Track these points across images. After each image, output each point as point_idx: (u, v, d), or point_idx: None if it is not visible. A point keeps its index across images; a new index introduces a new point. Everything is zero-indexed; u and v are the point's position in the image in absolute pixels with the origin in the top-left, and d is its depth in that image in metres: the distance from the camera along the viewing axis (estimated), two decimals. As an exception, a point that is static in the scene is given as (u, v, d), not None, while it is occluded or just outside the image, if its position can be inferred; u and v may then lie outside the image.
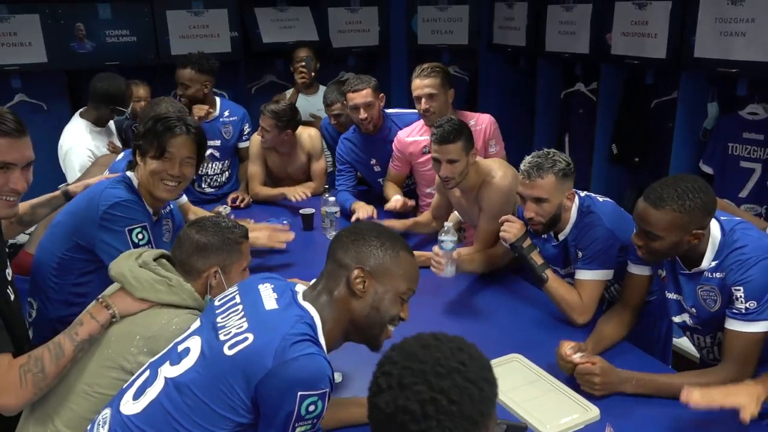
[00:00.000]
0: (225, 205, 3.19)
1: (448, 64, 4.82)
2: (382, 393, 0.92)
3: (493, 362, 1.78)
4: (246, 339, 1.23)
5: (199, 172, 3.32)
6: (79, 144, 3.08)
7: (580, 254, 2.05)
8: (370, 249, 1.34)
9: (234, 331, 1.27)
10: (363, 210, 2.92)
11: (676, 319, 1.85)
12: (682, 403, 1.44)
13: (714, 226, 1.70)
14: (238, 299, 1.36)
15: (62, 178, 3.04)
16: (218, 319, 1.33)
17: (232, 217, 2.90)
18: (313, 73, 3.84)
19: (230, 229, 1.68)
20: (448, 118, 2.41)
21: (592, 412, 1.59)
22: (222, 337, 1.27)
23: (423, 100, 2.79)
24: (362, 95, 2.95)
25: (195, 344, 1.31)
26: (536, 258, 2.07)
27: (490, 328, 2.07)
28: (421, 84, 2.78)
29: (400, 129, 3.06)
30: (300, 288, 1.39)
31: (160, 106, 2.62)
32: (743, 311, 1.62)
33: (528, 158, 2.04)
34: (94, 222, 1.91)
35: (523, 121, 4.47)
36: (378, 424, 0.94)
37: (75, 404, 1.46)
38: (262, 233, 2.49)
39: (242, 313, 1.31)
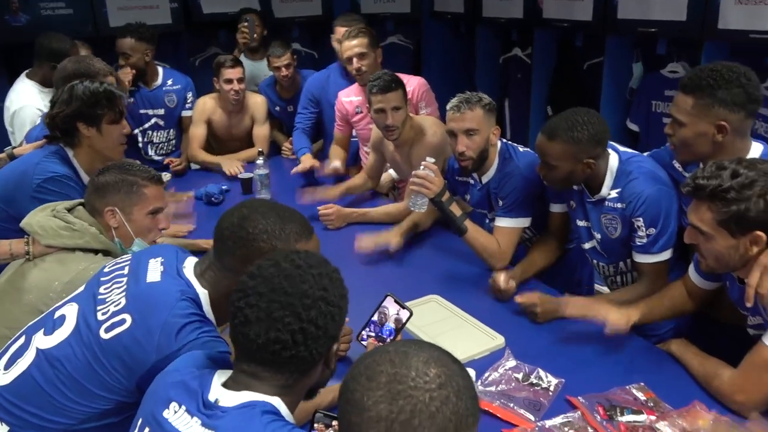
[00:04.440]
0: (167, 173, 3.23)
1: (392, 33, 4.93)
2: (251, 324, 0.99)
3: (413, 302, 1.95)
4: (123, 322, 1.20)
5: (145, 139, 3.39)
6: (29, 104, 3.06)
7: (500, 202, 2.17)
8: (259, 248, 1.24)
9: (112, 309, 1.22)
10: (304, 164, 3.04)
11: (586, 245, 2.01)
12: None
13: (612, 156, 1.87)
14: (126, 270, 1.32)
15: (3, 143, 3.02)
16: (101, 290, 1.29)
17: (173, 189, 2.97)
18: (255, 36, 3.86)
19: (132, 170, 1.70)
20: (383, 71, 2.52)
21: (497, 340, 1.73)
22: (100, 317, 1.23)
23: (354, 60, 2.87)
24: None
25: (71, 313, 1.27)
26: (455, 210, 2.16)
27: (413, 272, 2.22)
28: (350, 45, 2.86)
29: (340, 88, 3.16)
30: (190, 262, 1.34)
31: (67, 67, 2.47)
32: (645, 240, 1.81)
33: (454, 98, 2.15)
34: (26, 194, 1.92)
35: (465, 88, 4.52)
36: (248, 351, 1.01)
37: None
38: None
39: (124, 287, 1.27)
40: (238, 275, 1.08)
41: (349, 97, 3.07)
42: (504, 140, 2.26)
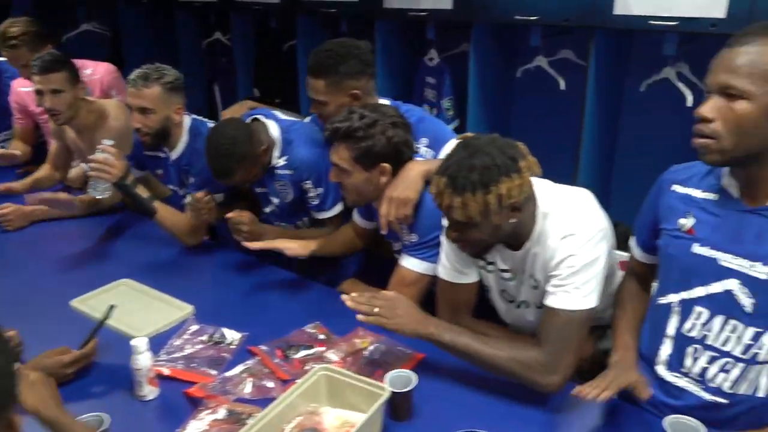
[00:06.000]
0: None
1: (85, 21, 4.58)
2: None
3: (102, 289, 1.88)
4: None
5: None
6: None
7: (191, 180, 2.19)
8: None
9: None
10: None
11: (267, 209, 2.13)
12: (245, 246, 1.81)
13: (273, 126, 1.99)
14: None
15: None
16: None
17: None
18: None
19: None
20: (49, 51, 2.35)
21: (186, 309, 1.77)
22: None
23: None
24: None
25: None
26: (142, 191, 2.12)
27: (103, 261, 2.14)
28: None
29: (10, 78, 2.88)
30: None
31: None
32: (318, 201, 1.99)
33: (136, 70, 2.08)
34: None
35: (171, 74, 4.45)
36: None
37: None
38: None
39: None
40: None
41: (26, 87, 2.81)
42: (194, 116, 2.26)
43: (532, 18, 2.64)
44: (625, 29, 2.56)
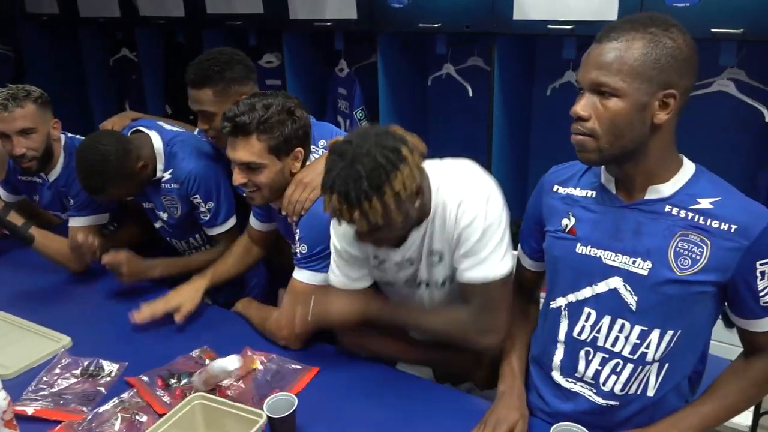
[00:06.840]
0: None
1: (-17, 40, 4.35)
2: None
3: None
4: None
5: None
6: None
7: (71, 201, 2.06)
8: None
9: None
10: None
11: (156, 225, 2.03)
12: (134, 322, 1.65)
13: (155, 138, 1.89)
14: None
15: None
16: None
17: None
18: None
19: None
20: None
21: (63, 341, 1.64)
22: None
23: None
24: None
25: None
26: (16, 219, 1.97)
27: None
28: None
29: None
30: None
31: None
32: (209, 215, 1.89)
33: None
34: None
35: (78, 92, 4.27)
36: None
37: None
38: None
39: None
40: None
41: None
42: (68, 134, 2.14)
43: (434, 25, 2.62)
44: (526, 34, 2.58)
